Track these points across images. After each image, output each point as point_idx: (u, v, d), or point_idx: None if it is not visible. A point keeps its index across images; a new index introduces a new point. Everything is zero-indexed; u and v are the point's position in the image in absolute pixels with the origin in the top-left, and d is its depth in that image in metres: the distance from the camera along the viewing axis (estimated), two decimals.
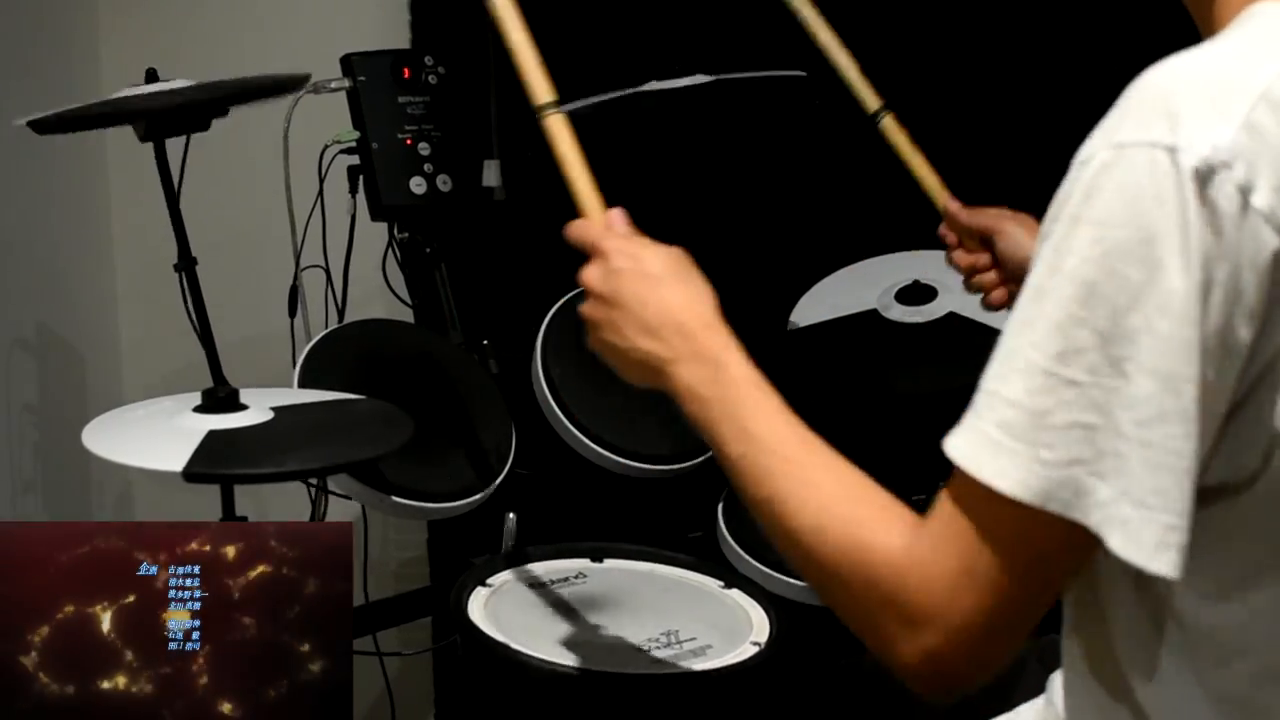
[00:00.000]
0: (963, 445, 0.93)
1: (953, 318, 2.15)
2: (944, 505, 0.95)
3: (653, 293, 1.22)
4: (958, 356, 2.12)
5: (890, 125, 1.75)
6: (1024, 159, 2.43)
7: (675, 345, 1.18)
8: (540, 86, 1.44)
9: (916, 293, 2.18)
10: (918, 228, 2.44)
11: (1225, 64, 0.93)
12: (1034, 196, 2.52)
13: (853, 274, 2.30)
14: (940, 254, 2.26)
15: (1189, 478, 0.88)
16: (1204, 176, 0.86)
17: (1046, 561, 0.93)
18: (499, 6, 1.44)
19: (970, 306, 2.15)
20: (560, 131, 1.41)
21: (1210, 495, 0.92)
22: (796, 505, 1.03)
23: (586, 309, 1.25)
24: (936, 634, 0.93)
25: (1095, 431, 0.88)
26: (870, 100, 1.76)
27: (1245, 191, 0.86)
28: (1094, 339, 0.88)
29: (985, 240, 1.69)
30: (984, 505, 0.92)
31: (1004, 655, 0.96)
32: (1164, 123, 0.88)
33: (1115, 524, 0.88)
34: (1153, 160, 0.87)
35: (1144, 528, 0.87)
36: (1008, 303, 1.65)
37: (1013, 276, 1.65)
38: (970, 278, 1.70)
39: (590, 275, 1.26)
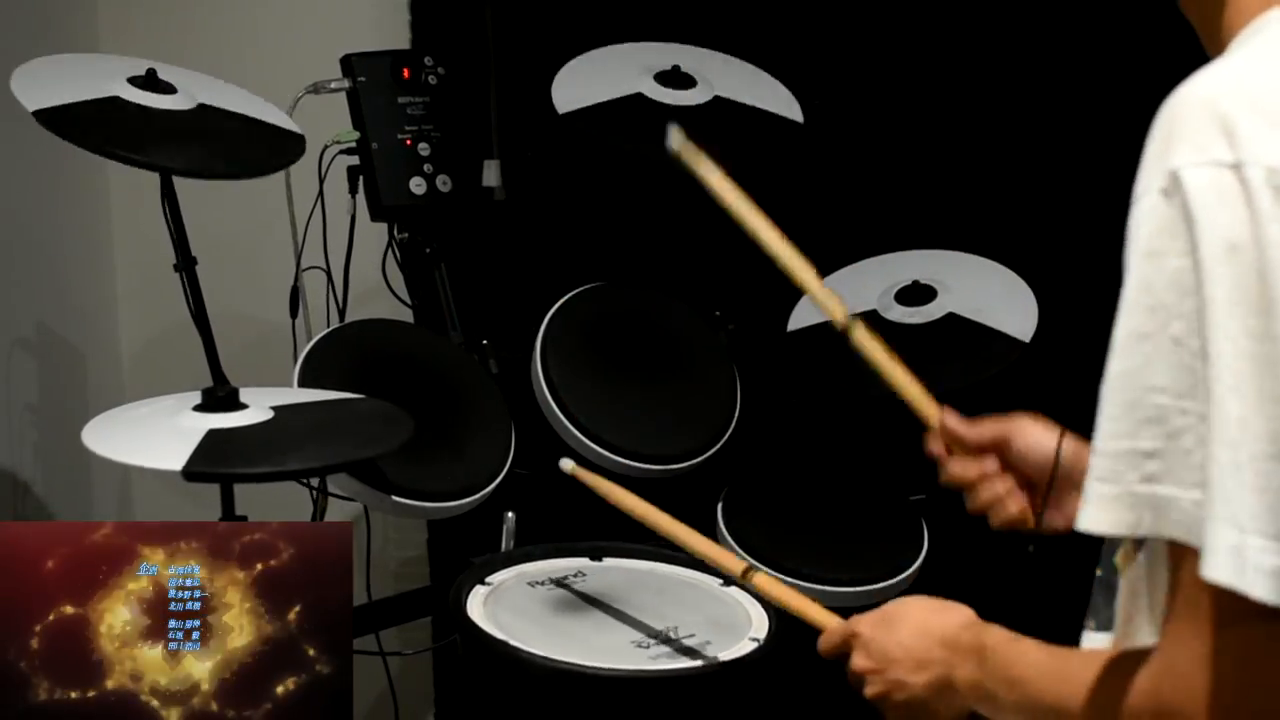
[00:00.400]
0: (1108, 515, 0.89)
1: (952, 318, 2.15)
2: (1179, 604, 0.90)
3: (912, 632, 1.22)
4: (958, 357, 2.12)
5: (862, 335, 1.58)
6: (1022, 163, 2.43)
7: (946, 659, 1.17)
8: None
9: (916, 293, 2.18)
10: (918, 228, 2.45)
11: (1262, 73, 0.91)
12: (1033, 198, 2.53)
13: (853, 274, 2.30)
14: (940, 254, 2.28)
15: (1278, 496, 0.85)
16: (1270, 189, 0.85)
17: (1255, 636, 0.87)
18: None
19: (970, 306, 2.16)
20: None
21: None
22: (1058, 701, 1.01)
23: (869, 691, 1.25)
24: None
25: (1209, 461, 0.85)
26: (838, 313, 1.60)
27: None
28: (1203, 365, 0.86)
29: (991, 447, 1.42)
30: (1185, 573, 0.87)
31: None
32: (1221, 139, 0.87)
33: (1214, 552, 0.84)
34: (1217, 178, 0.86)
35: (1252, 554, 0.84)
36: (1032, 517, 1.39)
37: (1030, 479, 1.39)
38: (978, 493, 1.40)
39: (857, 662, 1.26)
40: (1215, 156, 0.86)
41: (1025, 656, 1.07)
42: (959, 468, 1.42)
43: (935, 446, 1.46)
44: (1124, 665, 0.95)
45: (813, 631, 1.49)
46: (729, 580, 1.88)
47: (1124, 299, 0.89)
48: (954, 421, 1.44)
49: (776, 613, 1.79)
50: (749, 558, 1.81)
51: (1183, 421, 0.87)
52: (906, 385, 1.54)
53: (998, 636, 1.12)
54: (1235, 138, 0.86)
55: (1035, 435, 1.37)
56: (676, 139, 1.59)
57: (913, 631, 1.21)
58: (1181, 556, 0.88)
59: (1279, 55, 0.93)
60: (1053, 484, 1.34)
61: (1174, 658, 0.89)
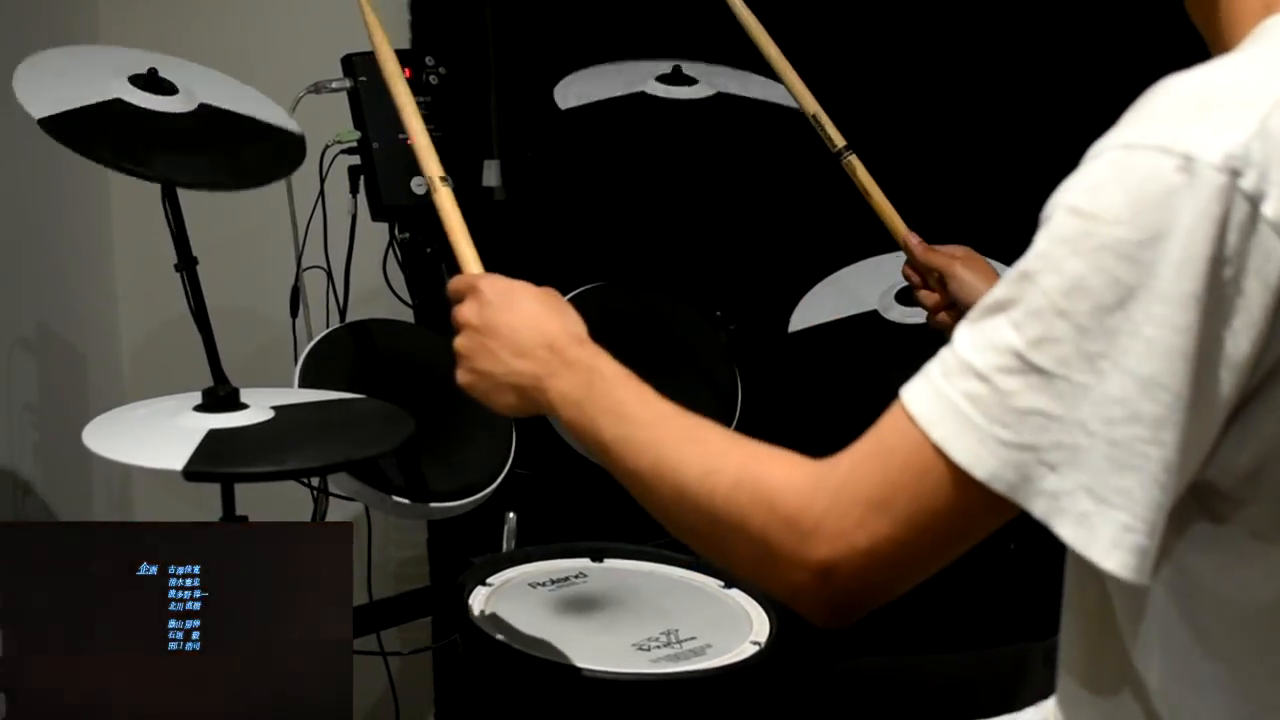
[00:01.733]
0: (924, 402, 0.94)
1: None
2: (872, 436, 0.97)
3: (523, 319, 1.26)
4: None
5: (853, 163, 1.84)
6: (1020, 163, 2.43)
7: (547, 360, 1.22)
8: (430, 164, 1.53)
9: None
10: (917, 228, 2.44)
11: (1242, 74, 0.93)
12: (1033, 198, 2.52)
13: (853, 274, 2.30)
14: None
15: (1156, 484, 0.87)
16: (1212, 183, 0.86)
17: (968, 523, 0.94)
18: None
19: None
20: (447, 203, 1.49)
21: (1207, 497, 0.93)
22: (681, 459, 1.05)
23: (459, 342, 1.30)
24: (838, 549, 0.95)
25: (1053, 421, 0.88)
26: (836, 138, 1.85)
27: (1255, 200, 0.86)
28: (1071, 331, 0.88)
29: (940, 280, 1.76)
30: (921, 455, 0.93)
31: (897, 589, 0.97)
32: (1177, 128, 0.88)
33: (1069, 516, 0.89)
34: (1161, 163, 0.87)
35: (1101, 524, 0.88)
36: None
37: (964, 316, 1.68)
38: (933, 315, 1.78)
39: (463, 310, 1.31)
40: (1164, 143, 0.87)
41: (647, 401, 1.13)
42: (924, 294, 1.79)
43: (909, 274, 1.82)
44: (776, 457, 1.02)
45: (813, 633, 1.49)
46: (730, 583, 1.88)
47: (1035, 240, 0.92)
48: (915, 243, 1.80)
49: (777, 614, 1.79)
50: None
51: (1015, 364, 0.90)
52: (887, 211, 1.85)
53: (612, 367, 1.17)
54: (1189, 130, 0.87)
55: (967, 282, 1.72)
56: None
57: (526, 318, 1.25)
58: (908, 424, 0.94)
59: (1267, 60, 0.94)
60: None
61: (848, 482, 0.96)
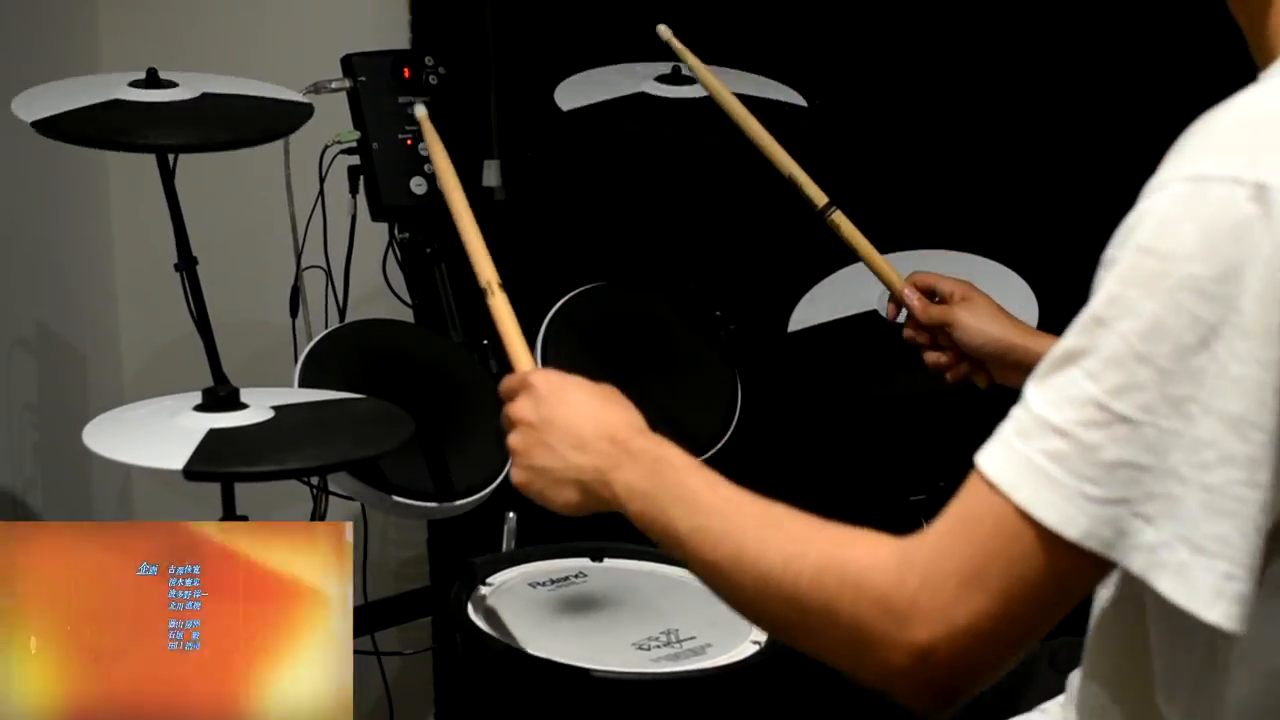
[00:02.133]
0: (1002, 465, 0.90)
1: None
2: (955, 507, 0.93)
3: (581, 412, 1.21)
4: None
5: (838, 220, 1.77)
6: (1022, 163, 2.44)
7: (610, 453, 1.16)
8: (485, 269, 1.53)
9: None
10: (918, 228, 2.45)
11: None
12: (1033, 198, 2.52)
13: (853, 274, 2.29)
14: (940, 254, 2.28)
15: (1253, 526, 0.85)
16: None
17: (1065, 586, 0.90)
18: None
19: None
20: (502, 309, 1.48)
21: None
22: (762, 547, 1.01)
23: (513, 440, 1.25)
24: (936, 629, 0.90)
25: (1145, 472, 0.85)
26: (817, 198, 1.78)
27: None
28: (1154, 376, 0.85)
29: (943, 331, 1.69)
30: (1008, 521, 0.89)
31: (1002, 665, 0.93)
32: (1246, 157, 0.85)
33: (1168, 569, 0.85)
34: (1233, 196, 0.84)
35: (1201, 574, 0.85)
36: (984, 381, 1.69)
37: (973, 363, 1.68)
38: (949, 373, 1.72)
39: (517, 407, 1.26)
40: (1236, 173, 0.85)
41: (720, 489, 1.07)
42: (912, 334, 1.73)
43: (913, 336, 1.74)
44: (860, 537, 0.97)
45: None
46: None
47: (1102, 282, 0.89)
48: (912, 297, 1.73)
49: None
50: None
51: (1099, 416, 0.87)
52: (881, 266, 1.78)
53: (679, 455, 1.12)
54: (1261, 158, 0.85)
55: (972, 321, 1.65)
56: (664, 32, 1.81)
57: (584, 411, 1.21)
58: (989, 492, 0.90)
59: None
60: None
61: (937, 557, 0.92)
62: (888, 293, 2.20)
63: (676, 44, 1.87)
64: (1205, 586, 0.85)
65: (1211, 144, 0.88)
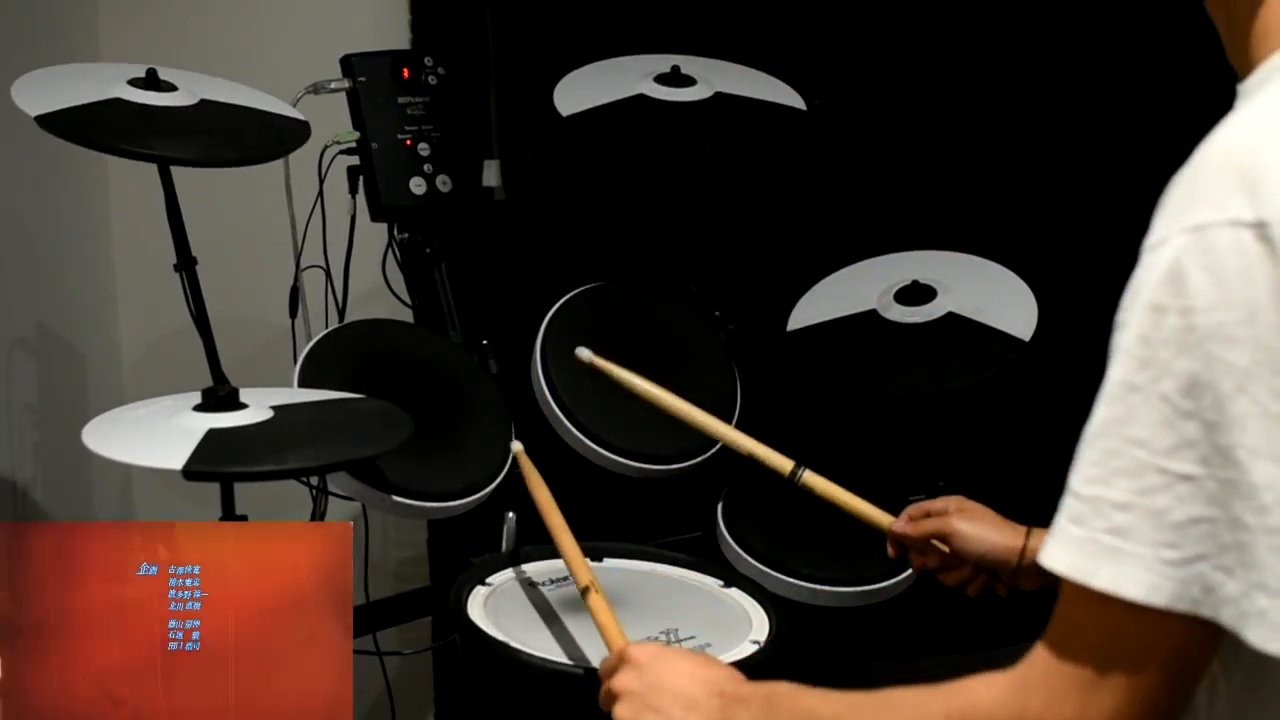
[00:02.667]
0: (1072, 556, 0.90)
1: (952, 318, 2.15)
2: (1054, 621, 0.93)
3: (686, 675, 1.24)
4: (957, 356, 2.12)
5: (810, 480, 1.75)
6: (1022, 163, 2.44)
7: (721, 705, 1.19)
8: (582, 574, 1.57)
9: (916, 293, 2.18)
10: (918, 228, 2.45)
11: None
12: (1033, 198, 2.52)
13: (852, 274, 2.30)
14: (940, 254, 2.28)
15: None
16: None
17: (1182, 658, 0.90)
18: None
19: (970, 306, 2.16)
20: (599, 607, 1.51)
21: None
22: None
23: (622, 711, 1.26)
24: None
25: (1216, 525, 0.86)
26: (783, 465, 1.76)
27: None
28: (1202, 430, 0.85)
29: (940, 539, 1.65)
30: (1101, 611, 0.89)
31: None
32: (1241, 197, 0.85)
33: (1252, 618, 0.85)
34: (1237, 239, 0.84)
35: None
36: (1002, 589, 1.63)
37: (990, 574, 1.63)
38: (944, 577, 1.67)
39: (620, 679, 1.28)
40: (1236, 215, 0.85)
41: (828, 696, 1.10)
42: (920, 560, 1.66)
43: (891, 549, 1.69)
44: (970, 682, 0.98)
45: (812, 632, 1.49)
46: (729, 582, 1.88)
47: (1120, 347, 0.89)
48: (900, 526, 1.66)
49: (777, 614, 1.79)
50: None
51: (1159, 480, 0.87)
52: (861, 508, 1.73)
53: (785, 685, 1.14)
54: (1258, 195, 0.85)
55: (971, 530, 1.59)
56: (584, 354, 1.84)
57: (688, 674, 1.23)
58: (1073, 589, 0.90)
59: None
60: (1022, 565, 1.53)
61: (1050, 671, 0.92)
62: (888, 293, 2.21)
63: (600, 362, 1.84)
64: None
65: (1203, 190, 0.87)
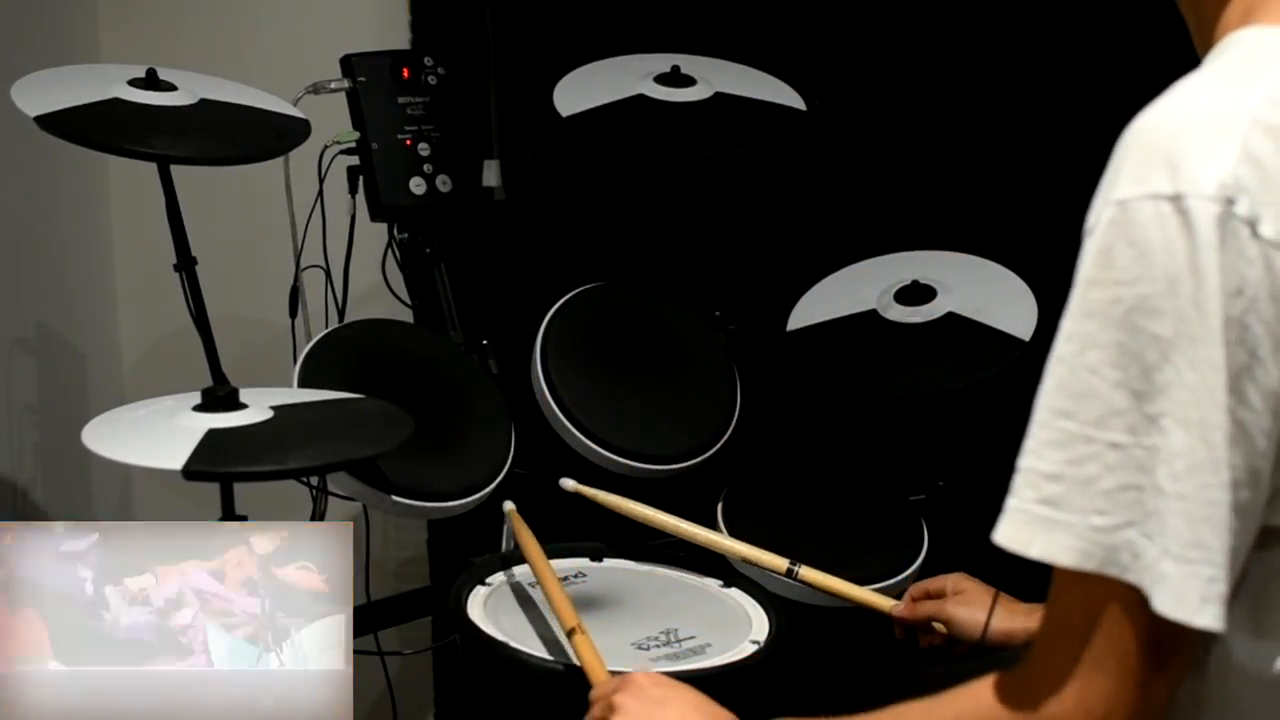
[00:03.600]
0: (1008, 529, 0.91)
1: (952, 318, 2.15)
2: (1043, 616, 0.95)
3: (691, 705, 1.27)
4: (957, 356, 2.12)
5: (806, 575, 1.77)
6: (1023, 163, 2.44)
7: None
8: (569, 617, 1.58)
9: (916, 293, 2.18)
10: (918, 228, 2.45)
11: (1210, 98, 0.91)
12: (1033, 198, 2.52)
13: (853, 274, 2.30)
14: (940, 254, 2.28)
15: (1226, 527, 0.86)
16: (1209, 215, 0.85)
17: (1156, 629, 0.90)
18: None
19: (970, 306, 2.16)
20: (586, 650, 1.52)
21: (1273, 538, 0.91)
22: None
23: None
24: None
25: (1143, 492, 0.87)
26: (779, 565, 1.78)
27: (1253, 224, 0.86)
28: (1130, 399, 0.87)
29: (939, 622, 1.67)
30: (1068, 591, 0.91)
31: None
32: (1162, 171, 0.87)
33: (1159, 584, 0.87)
34: (1157, 212, 0.86)
35: (1186, 582, 0.86)
36: None
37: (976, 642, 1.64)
38: (955, 651, 1.68)
39: (622, 697, 1.30)
40: (1155, 189, 0.87)
41: None
42: (926, 640, 1.67)
43: (898, 631, 1.70)
44: (970, 685, 0.99)
45: (812, 632, 1.49)
46: (729, 581, 1.88)
47: (1061, 324, 0.91)
48: (900, 611, 1.68)
49: (777, 614, 1.79)
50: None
51: (1086, 449, 0.88)
52: (860, 595, 1.75)
53: None
54: (1177, 169, 0.87)
55: (966, 615, 1.61)
56: (569, 484, 1.87)
57: (692, 704, 1.27)
58: (1074, 582, 0.91)
59: (1231, 77, 0.93)
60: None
61: (1039, 658, 0.94)
62: (888, 293, 2.21)
63: (586, 491, 1.87)
64: (1193, 594, 0.86)
65: (1129, 164, 0.89)
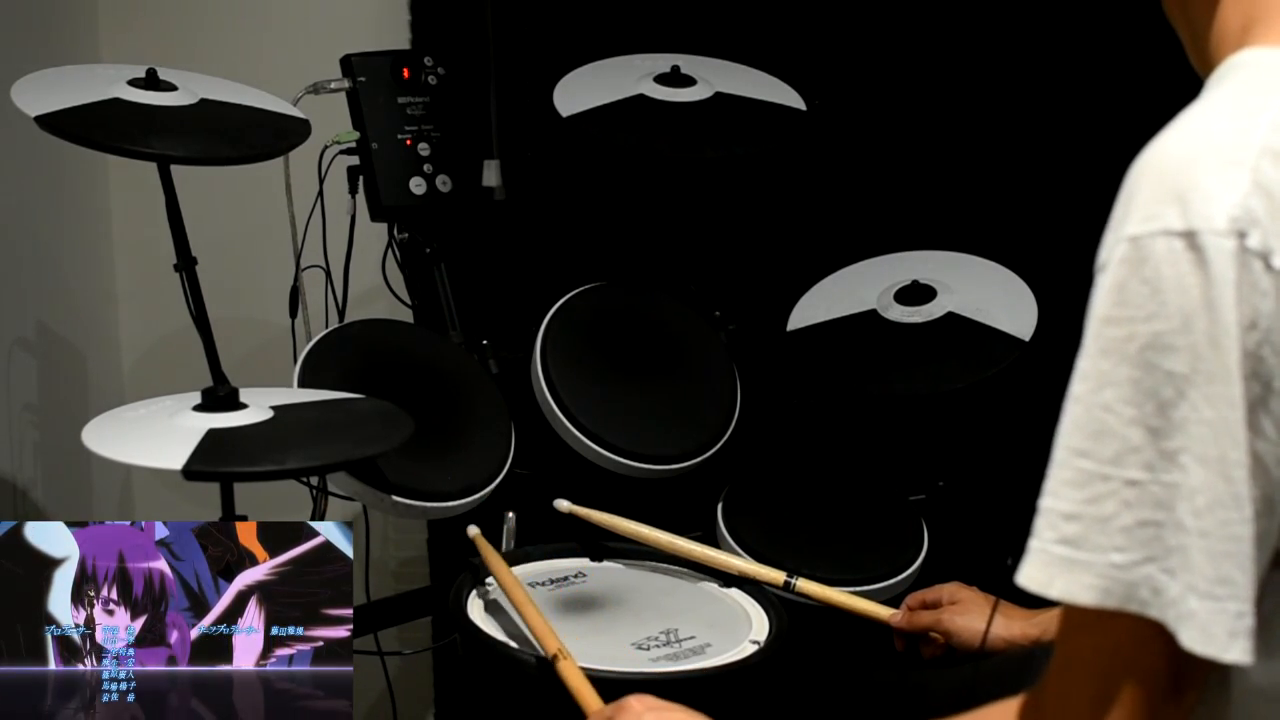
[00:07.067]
0: (1029, 571, 0.91)
1: (952, 318, 2.15)
2: (1055, 649, 0.95)
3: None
4: (957, 356, 2.12)
5: (803, 586, 1.80)
6: (1023, 163, 2.44)
7: None
8: (550, 642, 1.59)
9: (916, 293, 2.18)
10: (918, 228, 2.45)
11: (1217, 128, 0.90)
12: (1033, 198, 2.52)
13: (852, 274, 2.30)
14: (940, 254, 2.28)
15: (1250, 561, 0.86)
16: (1222, 250, 0.85)
17: (1167, 664, 0.90)
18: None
19: (970, 306, 2.16)
20: (571, 675, 1.54)
21: None
22: None
23: None
24: None
25: (1162, 528, 0.87)
26: (775, 578, 1.81)
27: (1265, 256, 0.85)
28: (1146, 436, 0.86)
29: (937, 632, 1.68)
30: (1084, 629, 0.91)
31: None
32: (1173, 207, 0.86)
33: (1185, 620, 0.86)
34: (1170, 248, 0.86)
35: (1215, 619, 0.86)
36: None
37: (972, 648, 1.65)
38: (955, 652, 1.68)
39: (625, 716, 1.34)
40: (1167, 225, 0.86)
41: None
42: (927, 650, 1.67)
43: (898, 642, 1.71)
44: (992, 710, 0.99)
45: (812, 632, 1.49)
46: (729, 581, 1.88)
47: (1076, 364, 0.90)
48: (898, 620, 1.70)
49: (776, 615, 1.79)
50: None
51: (1104, 487, 0.88)
52: (859, 605, 1.76)
53: None
54: (1188, 203, 0.86)
55: (965, 624, 1.62)
56: (563, 505, 1.90)
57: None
58: (1088, 619, 0.90)
59: (1238, 103, 0.92)
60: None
61: (1063, 699, 0.93)
62: (888, 293, 2.21)
63: (580, 512, 1.89)
64: (1221, 631, 0.86)
65: (1140, 200, 0.89)
